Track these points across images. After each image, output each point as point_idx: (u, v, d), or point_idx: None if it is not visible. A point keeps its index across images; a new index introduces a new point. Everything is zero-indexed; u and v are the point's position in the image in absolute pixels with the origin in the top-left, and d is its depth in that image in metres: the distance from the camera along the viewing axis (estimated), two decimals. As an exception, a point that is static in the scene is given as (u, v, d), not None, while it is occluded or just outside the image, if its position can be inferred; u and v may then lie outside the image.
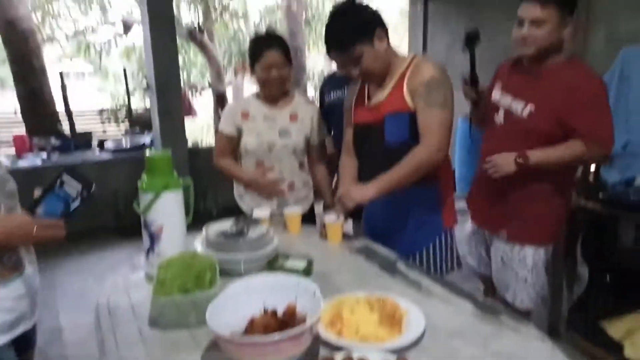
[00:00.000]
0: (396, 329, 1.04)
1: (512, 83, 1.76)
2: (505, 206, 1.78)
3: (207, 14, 7.34)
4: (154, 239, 1.35)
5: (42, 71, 5.30)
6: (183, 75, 7.89)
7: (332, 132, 2.30)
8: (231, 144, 2.06)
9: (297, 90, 2.22)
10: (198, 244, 1.47)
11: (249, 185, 2.05)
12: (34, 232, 1.07)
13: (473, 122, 2.01)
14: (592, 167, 2.27)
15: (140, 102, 8.44)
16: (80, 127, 5.24)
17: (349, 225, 1.79)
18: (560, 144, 1.62)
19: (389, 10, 10.46)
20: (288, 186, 2.04)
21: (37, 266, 1.32)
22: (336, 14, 1.60)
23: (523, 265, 1.78)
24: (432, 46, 5.91)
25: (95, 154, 4.72)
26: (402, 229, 1.72)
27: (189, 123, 5.47)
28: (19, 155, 4.43)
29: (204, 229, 1.50)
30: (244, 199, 2.12)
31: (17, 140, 4.53)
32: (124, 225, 4.58)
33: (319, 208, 1.96)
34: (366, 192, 1.59)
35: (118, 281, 1.41)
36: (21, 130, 4.91)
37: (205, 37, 6.75)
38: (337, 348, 0.95)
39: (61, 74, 5.08)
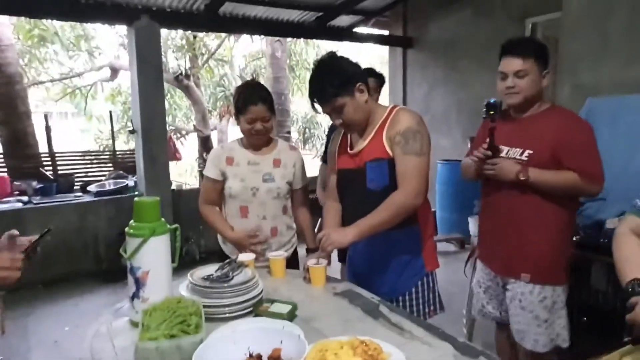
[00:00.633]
0: (379, 372, 1.06)
1: (504, 135, 1.83)
2: (521, 248, 1.82)
3: (193, 60, 7.54)
4: (139, 284, 1.36)
5: (27, 115, 5.32)
6: (168, 119, 7.99)
7: None
8: (216, 188, 2.10)
9: (279, 137, 2.29)
10: (183, 290, 1.48)
11: (235, 244, 2.06)
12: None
13: (470, 179, 2.02)
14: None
15: (124, 145, 8.47)
16: (63, 169, 5.21)
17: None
18: (558, 170, 1.73)
19: (370, 59, 10.89)
20: (271, 231, 2.08)
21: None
22: (319, 68, 1.70)
23: (543, 307, 1.80)
24: (411, 92, 6.16)
25: (77, 196, 4.68)
26: (384, 273, 1.76)
27: (173, 165, 5.50)
28: (-1, 198, 4.38)
29: (189, 275, 1.52)
30: (227, 243, 2.14)
31: (-2, 183, 4.49)
32: (104, 269, 4.50)
33: (302, 252, 1.99)
34: (346, 235, 1.64)
35: (101, 328, 1.40)
36: (2, 172, 4.87)
37: (191, 82, 6.90)
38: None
39: (46, 116, 5.11)
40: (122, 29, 6.99)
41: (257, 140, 2.05)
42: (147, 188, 4.71)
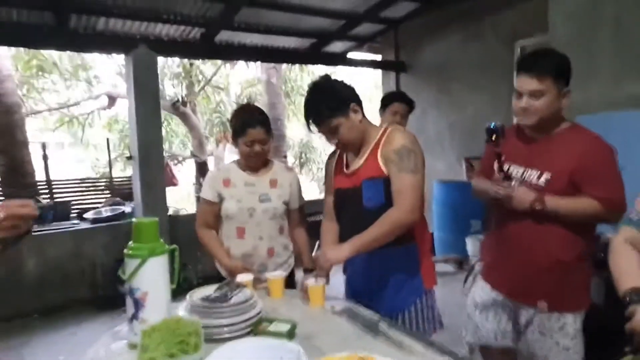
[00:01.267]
0: (379, 387, 1.06)
1: (518, 154, 1.75)
2: (538, 276, 1.72)
3: (190, 87, 7.65)
4: (138, 305, 1.36)
5: (25, 144, 5.37)
6: (165, 146, 8.04)
7: None
8: (213, 210, 2.11)
9: (275, 158, 2.33)
10: (182, 311, 1.48)
11: (222, 265, 2.07)
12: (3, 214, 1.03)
13: (480, 198, 1.94)
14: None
15: (121, 172, 8.49)
16: (59, 196, 5.22)
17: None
18: (576, 197, 1.63)
19: (364, 83, 11.07)
20: (268, 251, 2.08)
21: None
22: (314, 90, 1.75)
23: (564, 334, 1.72)
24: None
25: (73, 224, 4.67)
26: (383, 291, 1.77)
27: (170, 191, 5.51)
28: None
29: (187, 295, 1.52)
30: None
31: (-6, 212, 4.47)
32: (100, 296, 4.45)
33: (300, 273, 1.99)
34: (341, 252, 1.65)
35: (99, 351, 1.39)
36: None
37: (188, 109, 6.99)
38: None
39: (43, 144, 5.15)
40: (120, 58, 7.12)
41: (256, 162, 2.08)
42: (144, 214, 4.69)
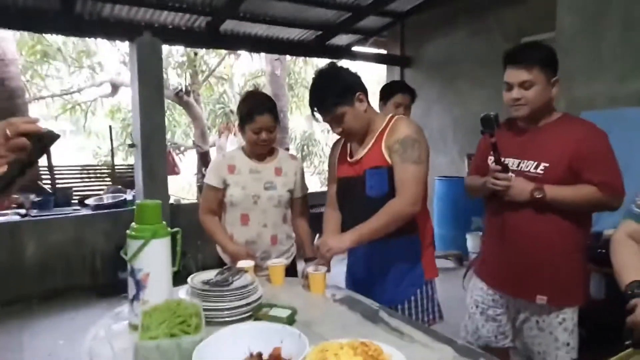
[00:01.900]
0: (379, 372, 1.06)
1: (513, 146, 1.73)
2: (536, 270, 1.69)
3: (193, 76, 7.63)
4: (139, 286, 1.36)
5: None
6: (168, 135, 8.03)
7: None
8: (217, 197, 2.11)
9: (280, 147, 2.32)
10: (183, 294, 1.49)
11: (226, 251, 2.08)
12: (8, 133, 0.89)
13: (476, 196, 1.93)
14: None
15: (123, 161, 8.49)
16: (61, 183, 5.23)
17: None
18: (575, 185, 1.62)
19: (368, 79, 11.02)
20: (271, 239, 2.08)
21: None
22: (320, 77, 1.74)
23: (564, 329, 1.70)
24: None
25: (74, 210, 4.68)
26: (383, 281, 1.77)
27: (171, 180, 5.51)
28: (-4, 211, 4.37)
29: (188, 279, 1.52)
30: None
31: (-5, 196, 4.48)
32: (100, 283, 4.46)
33: (302, 263, 1.99)
34: (343, 241, 1.65)
35: (100, 331, 1.39)
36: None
37: (191, 99, 6.98)
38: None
39: (46, 131, 5.14)
40: (124, 46, 7.10)
41: (262, 149, 2.07)
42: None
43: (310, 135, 9.91)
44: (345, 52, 6.08)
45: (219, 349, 1.07)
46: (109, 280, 4.42)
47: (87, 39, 7.31)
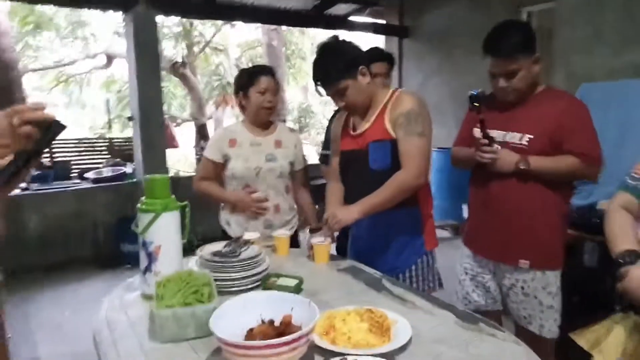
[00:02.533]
0: (385, 336, 1.12)
1: (498, 120, 1.78)
2: (520, 235, 1.76)
3: (189, 48, 7.52)
4: (151, 258, 1.41)
5: (23, 102, 5.31)
6: (164, 107, 7.97)
7: None
8: (215, 170, 2.15)
9: (278, 119, 2.36)
10: (192, 265, 1.54)
11: (235, 204, 2.12)
12: (15, 121, 0.84)
13: (462, 167, 2.00)
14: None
15: (119, 133, 8.44)
16: (59, 157, 5.22)
17: None
18: (558, 156, 1.68)
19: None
20: (274, 208, 2.13)
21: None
22: (324, 51, 1.74)
23: (547, 293, 1.77)
24: (406, 82, 6.20)
25: (74, 183, 4.70)
26: (385, 251, 1.82)
27: (169, 153, 5.52)
28: (-4, 185, 4.38)
29: (198, 250, 1.57)
30: (231, 224, 2.19)
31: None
32: (102, 256, 4.53)
33: (305, 233, 2.04)
34: (351, 213, 1.69)
35: (114, 301, 1.45)
36: None
37: (188, 70, 6.90)
38: (332, 355, 1.03)
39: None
40: (117, 15, 6.95)
41: (267, 115, 2.11)
42: (144, 175, 4.72)
43: (307, 107, 9.86)
44: (343, 22, 6.00)
45: (232, 317, 1.12)
46: (110, 253, 4.49)
47: (79, 9, 7.15)
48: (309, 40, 10.33)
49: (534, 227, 1.75)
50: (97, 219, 4.59)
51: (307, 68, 11.54)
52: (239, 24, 8.03)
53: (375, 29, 6.35)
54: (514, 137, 1.74)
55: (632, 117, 2.46)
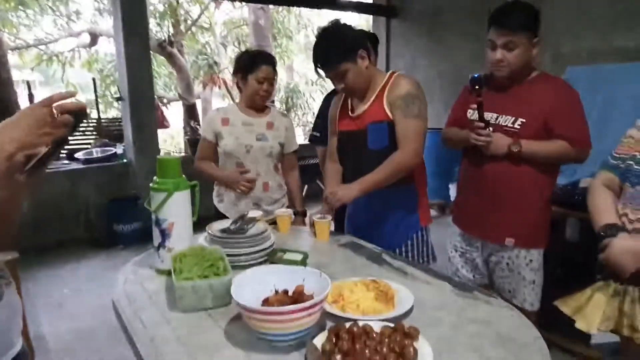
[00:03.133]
0: (390, 304, 1.22)
1: (492, 102, 1.82)
2: (507, 215, 1.84)
3: (176, 26, 7.40)
4: (165, 235, 1.48)
5: (10, 82, 5.21)
6: (150, 87, 7.85)
7: None
8: (211, 149, 2.23)
9: (271, 105, 2.42)
10: (202, 242, 1.61)
11: (227, 181, 2.19)
12: (55, 111, 0.88)
13: (453, 147, 2.08)
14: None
15: (103, 113, 8.32)
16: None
17: None
18: (549, 140, 1.75)
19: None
20: (262, 186, 2.21)
21: (14, 287, 1.09)
22: (324, 34, 1.80)
23: (530, 269, 1.87)
24: (394, 63, 6.25)
25: (65, 164, 4.68)
26: (382, 228, 1.92)
27: (159, 134, 5.50)
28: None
29: (207, 228, 1.64)
30: (223, 200, 2.26)
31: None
32: (95, 236, 4.56)
33: (310, 213, 2.12)
34: (350, 191, 1.78)
35: (129, 275, 1.52)
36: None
37: (175, 50, 6.81)
38: (343, 320, 1.12)
39: (28, 82, 5.03)
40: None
41: (261, 101, 2.18)
42: (135, 156, 4.74)
43: (294, 87, 9.83)
44: (330, 1, 5.98)
45: (248, 288, 1.20)
46: (104, 233, 4.52)
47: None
48: (295, 19, 10.24)
49: (521, 207, 1.83)
50: (90, 199, 4.60)
51: (294, 47, 11.45)
52: (224, 2, 7.92)
53: (363, 8, 6.34)
54: (506, 120, 1.80)
55: (615, 100, 2.57)
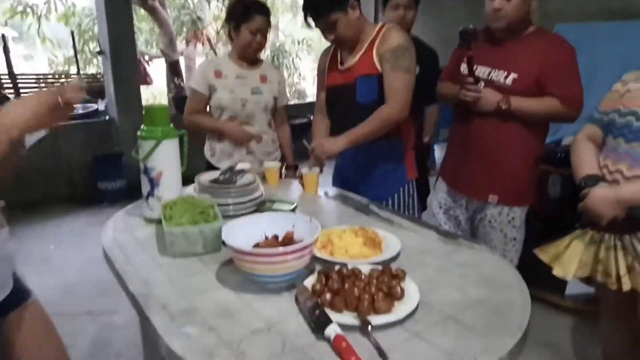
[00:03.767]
0: (377, 249, 1.25)
1: (486, 56, 1.81)
2: (493, 173, 1.84)
3: (156, -22, 7.09)
4: (153, 184, 1.47)
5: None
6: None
7: None
8: (204, 103, 2.19)
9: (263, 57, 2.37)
10: (192, 192, 1.61)
11: (234, 136, 2.16)
12: (61, 100, 1.03)
13: (446, 102, 2.05)
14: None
15: (81, 70, 8.06)
16: (24, 92, 5.02)
17: None
18: (539, 97, 1.73)
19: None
20: (257, 138, 2.21)
21: (8, 229, 1.19)
22: (315, -17, 1.75)
23: (512, 226, 1.89)
24: (382, 18, 6.11)
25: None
26: (370, 181, 1.94)
27: (142, 90, 5.38)
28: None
29: (195, 178, 1.64)
30: (215, 154, 2.25)
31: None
32: (77, 194, 4.52)
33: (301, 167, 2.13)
34: (337, 144, 1.79)
35: (119, 224, 1.52)
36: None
37: (157, 3, 6.55)
38: (331, 264, 1.15)
39: (4, 36, 4.82)
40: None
41: (254, 53, 2.13)
42: (118, 112, 4.64)
43: (281, 46, 9.61)
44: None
45: (239, 234, 1.22)
46: (87, 191, 4.49)
47: None
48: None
49: (507, 165, 1.83)
50: (72, 157, 4.53)
51: (279, 6, 11.12)
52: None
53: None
54: (499, 75, 1.78)
55: (601, 58, 2.59)
